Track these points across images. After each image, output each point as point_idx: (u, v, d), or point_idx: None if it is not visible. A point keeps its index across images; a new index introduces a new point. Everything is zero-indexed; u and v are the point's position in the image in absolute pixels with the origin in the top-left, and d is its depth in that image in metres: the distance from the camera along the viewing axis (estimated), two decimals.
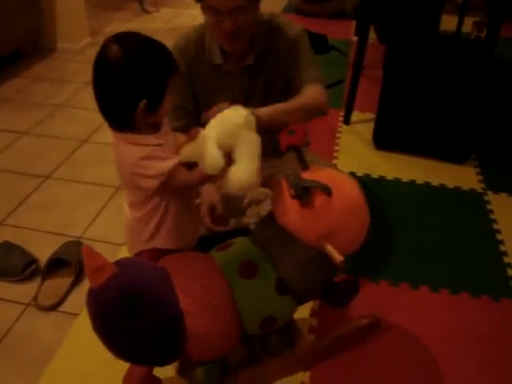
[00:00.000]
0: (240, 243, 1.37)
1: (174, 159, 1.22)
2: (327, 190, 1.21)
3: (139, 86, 1.16)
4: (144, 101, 1.16)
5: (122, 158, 1.24)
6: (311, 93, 1.60)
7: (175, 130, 1.71)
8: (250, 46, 1.63)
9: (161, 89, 1.20)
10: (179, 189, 1.29)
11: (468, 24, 3.89)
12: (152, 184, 1.22)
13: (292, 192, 1.21)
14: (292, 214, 1.25)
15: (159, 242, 1.37)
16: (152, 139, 1.22)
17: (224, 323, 1.22)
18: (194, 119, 1.69)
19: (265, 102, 1.49)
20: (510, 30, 3.66)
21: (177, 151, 1.26)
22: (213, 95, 1.65)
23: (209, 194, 1.65)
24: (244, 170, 1.19)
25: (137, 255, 1.40)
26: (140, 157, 1.19)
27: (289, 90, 1.66)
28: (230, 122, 1.21)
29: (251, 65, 1.66)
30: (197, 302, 1.18)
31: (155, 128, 1.25)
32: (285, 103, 1.50)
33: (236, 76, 1.68)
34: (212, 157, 1.18)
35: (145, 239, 1.36)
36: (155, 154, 1.20)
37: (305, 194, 1.21)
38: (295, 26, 1.69)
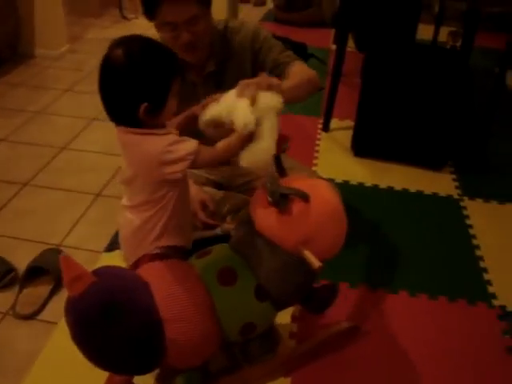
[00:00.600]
0: (219, 250, 1.38)
1: (194, 141, 1.21)
2: (304, 197, 1.23)
3: (140, 88, 1.17)
4: (145, 104, 1.17)
5: (145, 151, 1.21)
6: (300, 70, 1.61)
7: None
8: (210, 54, 1.65)
9: (163, 92, 1.21)
10: (206, 165, 1.30)
11: (444, 34, 3.96)
12: (182, 166, 1.19)
13: (270, 199, 1.23)
14: (270, 220, 1.26)
15: (168, 239, 1.34)
16: (166, 130, 1.24)
17: (203, 330, 1.23)
18: None
19: None
20: (483, 40, 3.74)
21: None
22: (179, 108, 1.65)
23: (197, 193, 1.66)
24: (265, 149, 1.23)
25: (138, 261, 1.36)
26: (167, 143, 1.18)
27: None
28: (264, 102, 1.23)
29: (214, 71, 1.68)
30: (176, 310, 1.18)
31: (160, 127, 1.26)
32: (288, 80, 1.50)
33: (201, 86, 1.70)
34: (246, 115, 1.20)
35: (153, 239, 1.33)
36: (179, 139, 1.21)
37: (282, 200, 1.22)
38: (249, 24, 1.71)
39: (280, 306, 1.37)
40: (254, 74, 1.65)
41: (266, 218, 1.27)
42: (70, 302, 1.10)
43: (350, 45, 3.47)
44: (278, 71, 1.66)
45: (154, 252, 1.33)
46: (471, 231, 2.22)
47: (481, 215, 2.33)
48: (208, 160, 1.24)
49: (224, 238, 1.48)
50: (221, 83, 1.68)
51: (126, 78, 1.17)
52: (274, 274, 1.28)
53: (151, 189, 1.28)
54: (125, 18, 4.83)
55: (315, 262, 1.21)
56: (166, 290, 1.21)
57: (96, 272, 1.14)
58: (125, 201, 1.37)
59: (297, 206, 1.24)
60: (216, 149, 1.24)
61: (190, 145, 1.20)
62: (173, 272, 1.26)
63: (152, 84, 1.19)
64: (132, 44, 1.20)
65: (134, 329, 1.11)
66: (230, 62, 1.69)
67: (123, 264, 1.41)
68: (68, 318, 1.11)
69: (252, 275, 1.29)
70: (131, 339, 1.11)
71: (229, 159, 1.30)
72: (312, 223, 1.25)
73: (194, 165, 1.21)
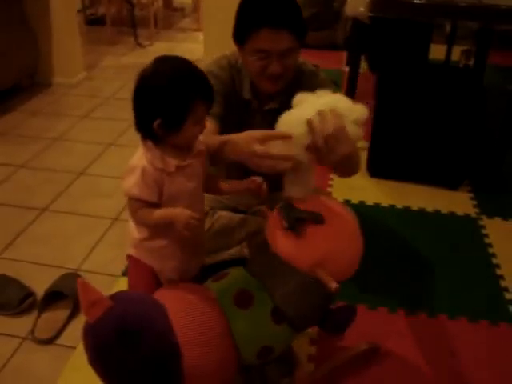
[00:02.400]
0: (235, 273, 1.37)
1: (137, 188, 1.23)
2: (319, 220, 1.24)
3: (156, 103, 1.20)
4: (158, 120, 1.19)
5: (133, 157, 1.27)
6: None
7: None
8: (280, 90, 1.60)
9: (180, 112, 1.21)
10: (133, 218, 1.30)
11: (456, 53, 3.97)
12: (123, 189, 1.26)
13: (285, 223, 1.23)
14: (285, 243, 1.26)
15: (152, 255, 1.34)
16: (157, 160, 1.23)
17: (221, 354, 1.21)
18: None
19: None
20: (496, 58, 3.75)
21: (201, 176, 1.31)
22: (234, 126, 1.60)
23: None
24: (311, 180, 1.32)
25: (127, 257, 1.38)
26: (133, 165, 1.23)
27: None
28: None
29: (276, 109, 1.65)
30: (193, 334, 1.18)
31: (184, 149, 1.27)
32: None
33: (260, 115, 1.67)
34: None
35: (142, 238, 1.33)
36: (139, 172, 1.22)
37: (297, 224, 1.23)
38: (324, 76, 1.69)
39: (297, 328, 1.35)
40: None
41: (281, 240, 1.27)
42: (87, 327, 1.10)
43: (363, 66, 3.49)
44: None
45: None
46: (490, 250, 2.19)
47: (500, 233, 2.30)
48: (132, 214, 1.28)
49: (240, 261, 1.48)
50: (275, 123, 1.69)
51: (146, 91, 1.21)
52: (291, 296, 1.28)
53: None
54: (139, 45, 4.92)
55: (332, 284, 1.21)
56: (183, 314, 1.20)
57: (113, 297, 1.15)
58: None
59: (311, 229, 1.24)
60: (151, 213, 1.25)
61: (133, 187, 1.23)
62: (189, 296, 1.26)
63: (168, 101, 1.20)
64: (164, 62, 1.24)
65: (152, 354, 1.10)
66: (289, 104, 1.68)
67: None
68: (86, 342, 1.11)
69: (268, 298, 1.29)
70: (148, 364, 1.11)
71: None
72: (327, 245, 1.25)
73: (128, 204, 1.27)
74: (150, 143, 1.24)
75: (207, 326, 1.21)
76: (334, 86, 1.71)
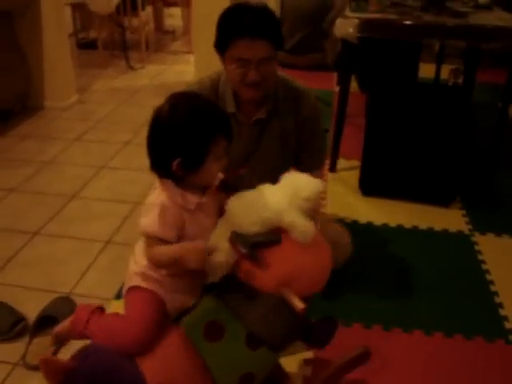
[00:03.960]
0: (205, 303, 1.35)
1: (155, 227, 1.24)
2: (275, 241, 1.24)
3: (175, 144, 1.22)
4: (178, 159, 1.21)
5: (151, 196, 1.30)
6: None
7: None
8: (264, 100, 1.66)
9: (200, 151, 1.23)
10: (148, 256, 1.30)
11: (445, 71, 4.02)
12: (140, 227, 1.27)
13: (243, 250, 1.22)
14: (247, 268, 1.26)
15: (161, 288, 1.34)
16: (178, 197, 1.26)
17: None
18: None
19: (266, 155, 1.53)
20: (484, 76, 3.80)
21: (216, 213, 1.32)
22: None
23: None
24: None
25: (131, 288, 1.36)
26: (152, 203, 1.26)
27: (287, 149, 1.75)
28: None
29: (263, 119, 1.70)
30: (164, 377, 1.18)
31: (201, 186, 1.29)
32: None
33: (247, 127, 1.71)
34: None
35: (143, 273, 1.35)
36: (157, 210, 1.24)
37: (254, 250, 1.23)
38: (312, 93, 1.76)
39: (276, 348, 1.33)
40: (297, 133, 1.75)
41: (243, 265, 1.27)
42: None
43: (353, 86, 3.52)
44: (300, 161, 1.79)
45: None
46: (484, 266, 2.19)
47: (493, 250, 2.31)
48: (146, 252, 1.30)
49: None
50: (264, 131, 1.71)
51: (164, 130, 1.23)
52: (262, 318, 1.27)
53: None
54: (131, 68, 4.95)
55: (298, 304, 1.21)
56: (151, 358, 1.20)
57: (76, 357, 1.14)
58: None
59: (269, 249, 1.24)
60: (165, 251, 1.27)
61: (153, 226, 1.25)
62: (158, 340, 1.26)
63: (189, 140, 1.21)
64: (180, 100, 1.25)
65: None
66: (277, 116, 1.72)
67: None
68: None
69: (240, 325, 1.27)
70: None
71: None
72: (287, 263, 1.25)
73: (144, 242, 1.30)
74: (168, 182, 1.26)
75: (177, 367, 1.21)
76: (320, 112, 1.80)
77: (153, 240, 1.26)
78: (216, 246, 1.26)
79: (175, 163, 1.21)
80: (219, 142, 1.24)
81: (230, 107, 1.67)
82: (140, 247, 1.38)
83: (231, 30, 1.52)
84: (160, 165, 1.26)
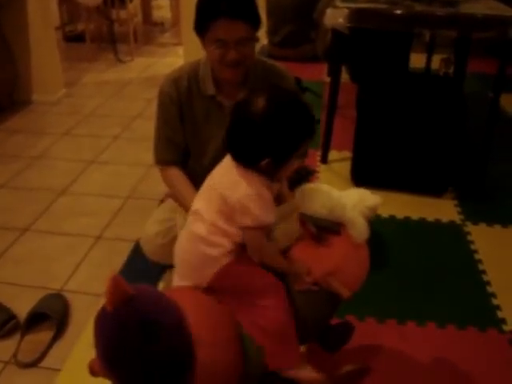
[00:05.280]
0: None
1: (273, 216, 1.24)
2: (336, 231, 1.34)
3: (269, 144, 1.19)
4: (268, 159, 1.19)
5: (241, 182, 1.23)
6: None
7: (163, 162, 1.79)
8: (244, 81, 1.68)
9: (290, 151, 1.23)
10: (250, 249, 1.27)
11: (436, 61, 4.01)
12: (247, 222, 1.22)
13: (312, 229, 1.35)
14: (302, 251, 1.35)
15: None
16: (273, 187, 1.27)
17: (231, 356, 1.20)
18: (181, 152, 1.77)
19: None
20: (475, 65, 3.80)
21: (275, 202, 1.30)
22: (203, 126, 1.72)
23: None
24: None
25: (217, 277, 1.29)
26: (258, 193, 1.21)
27: None
28: None
29: None
30: (208, 334, 1.16)
31: (275, 179, 1.28)
32: None
33: (228, 109, 1.70)
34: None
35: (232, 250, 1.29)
36: (270, 201, 1.24)
37: (320, 231, 1.34)
38: (290, 73, 1.79)
39: (302, 339, 1.35)
40: None
41: (299, 248, 1.37)
42: (105, 313, 1.06)
43: (345, 76, 3.51)
44: None
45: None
46: (476, 256, 2.20)
47: (485, 240, 2.31)
48: (255, 245, 1.26)
49: None
50: None
51: (259, 130, 1.19)
52: (299, 308, 1.31)
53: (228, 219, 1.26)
54: (120, 60, 4.91)
55: (344, 291, 1.31)
56: (199, 313, 1.19)
57: (133, 286, 1.12)
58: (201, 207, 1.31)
59: (328, 239, 1.35)
60: (271, 245, 1.29)
61: (267, 215, 1.22)
62: (205, 298, 1.26)
63: (282, 142, 1.20)
64: (279, 98, 1.22)
65: (169, 347, 1.08)
66: None
67: None
68: (100, 331, 1.08)
69: None
70: (164, 357, 1.07)
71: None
72: (341, 256, 1.34)
73: (247, 231, 1.24)
74: (251, 172, 1.23)
75: (221, 328, 1.21)
76: (299, 91, 1.88)
77: (262, 230, 1.25)
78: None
79: (264, 162, 1.20)
80: (307, 142, 1.26)
81: (210, 90, 1.69)
82: (209, 230, 1.28)
83: (209, 12, 1.54)
84: (246, 159, 1.23)
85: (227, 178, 1.27)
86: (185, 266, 1.34)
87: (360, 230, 1.35)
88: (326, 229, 1.35)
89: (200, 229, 1.28)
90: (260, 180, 1.24)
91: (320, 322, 1.36)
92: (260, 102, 1.19)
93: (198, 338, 1.14)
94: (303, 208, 1.37)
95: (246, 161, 1.23)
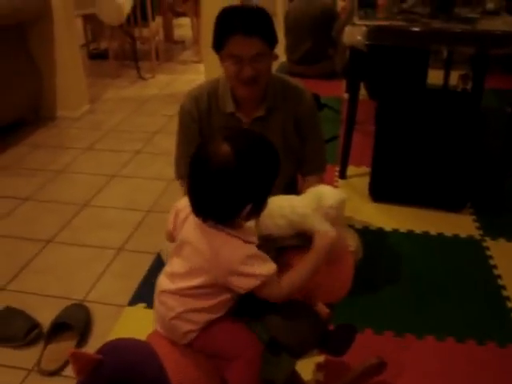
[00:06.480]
0: None
1: (273, 264, 1.17)
2: (302, 246, 1.28)
3: (247, 189, 1.13)
4: (250, 204, 1.14)
5: (225, 252, 1.15)
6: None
7: (184, 177, 1.80)
8: (263, 98, 1.72)
9: (267, 192, 1.18)
10: (268, 296, 1.20)
11: (454, 77, 4.02)
12: (249, 284, 1.14)
13: (269, 254, 1.23)
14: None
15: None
16: (251, 236, 1.19)
17: None
18: None
19: None
20: (493, 82, 3.80)
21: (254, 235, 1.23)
22: None
23: None
24: None
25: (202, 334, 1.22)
26: (248, 254, 1.14)
27: (289, 149, 1.78)
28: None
29: (262, 117, 1.75)
30: (188, 378, 1.18)
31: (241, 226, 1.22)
32: None
33: (247, 125, 1.75)
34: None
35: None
36: (260, 254, 1.16)
37: (280, 254, 1.27)
38: (308, 92, 1.81)
39: (296, 354, 1.33)
40: (296, 133, 1.81)
41: None
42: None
43: (362, 93, 3.54)
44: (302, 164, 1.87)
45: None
46: (496, 271, 2.19)
47: (504, 255, 2.30)
48: (273, 295, 1.19)
49: None
50: (264, 129, 1.74)
51: (235, 179, 1.11)
52: (285, 324, 1.26)
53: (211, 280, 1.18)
54: (142, 77, 5.00)
55: (323, 309, 1.26)
56: (176, 358, 1.20)
57: (102, 351, 1.15)
58: (167, 282, 1.24)
59: (296, 255, 1.28)
60: (282, 286, 1.19)
61: (268, 267, 1.15)
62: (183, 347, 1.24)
63: (261, 185, 1.15)
64: (238, 141, 1.14)
65: None
66: (277, 112, 1.76)
67: (145, 319, 1.40)
68: None
69: (262, 332, 1.26)
70: None
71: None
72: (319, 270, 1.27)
73: (259, 290, 1.16)
74: (227, 226, 1.16)
75: (200, 370, 1.20)
76: (316, 111, 1.88)
77: (273, 278, 1.17)
78: None
79: (247, 208, 1.14)
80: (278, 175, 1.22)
81: (230, 107, 1.73)
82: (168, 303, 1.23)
83: (226, 29, 1.57)
84: (225, 214, 1.15)
85: (205, 245, 1.17)
86: (158, 322, 1.27)
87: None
88: (288, 248, 1.28)
89: (173, 302, 1.21)
90: (242, 230, 1.18)
91: (312, 332, 1.30)
92: (223, 150, 1.11)
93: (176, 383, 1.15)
94: (263, 230, 1.30)
95: (225, 216, 1.15)
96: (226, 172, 1.10)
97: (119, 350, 1.18)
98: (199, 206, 1.16)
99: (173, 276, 1.23)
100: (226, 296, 1.19)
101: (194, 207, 1.17)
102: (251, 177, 1.12)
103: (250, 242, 1.17)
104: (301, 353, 1.36)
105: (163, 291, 1.23)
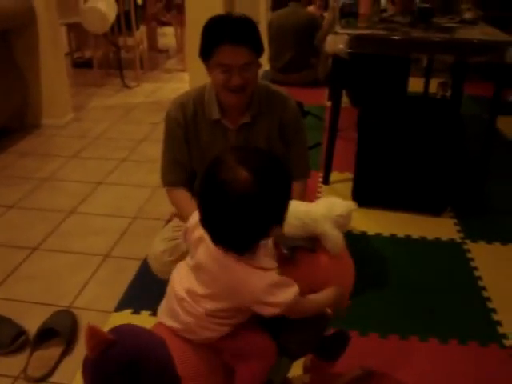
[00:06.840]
0: None
1: (296, 286, 1.17)
2: (311, 248, 1.33)
3: (272, 213, 1.11)
4: (276, 225, 1.13)
5: (249, 284, 1.13)
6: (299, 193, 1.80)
7: (170, 184, 1.82)
8: (248, 105, 1.74)
9: (287, 207, 1.16)
10: (291, 314, 1.22)
11: (434, 85, 4.10)
12: (273, 311, 1.15)
13: (284, 251, 1.31)
14: (281, 272, 1.29)
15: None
16: (270, 261, 1.19)
17: None
18: (187, 174, 1.82)
19: None
20: (471, 89, 3.88)
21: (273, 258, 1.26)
22: (209, 149, 1.77)
23: None
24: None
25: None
26: (271, 284, 1.13)
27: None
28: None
29: (248, 123, 1.77)
30: (192, 368, 1.19)
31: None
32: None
33: (233, 132, 1.78)
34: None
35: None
36: (282, 281, 1.16)
37: (293, 252, 1.31)
38: (292, 98, 1.84)
39: (296, 356, 1.37)
40: (281, 139, 1.83)
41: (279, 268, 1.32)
42: (88, 360, 1.11)
43: (345, 100, 3.59)
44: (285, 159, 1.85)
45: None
46: (476, 273, 2.24)
47: (485, 257, 2.35)
48: (297, 313, 1.23)
49: None
50: (250, 135, 1.77)
51: (260, 204, 1.06)
52: (289, 328, 1.30)
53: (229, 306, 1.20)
54: (126, 86, 5.01)
55: (327, 310, 1.28)
56: (182, 347, 1.22)
57: (114, 330, 1.16)
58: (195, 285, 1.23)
59: (305, 257, 1.32)
60: (310, 301, 1.25)
61: (290, 293, 1.15)
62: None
63: (282, 203, 1.14)
64: (254, 163, 1.08)
65: None
66: (262, 119, 1.79)
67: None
68: (85, 375, 1.12)
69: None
70: None
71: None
72: (320, 272, 1.32)
73: (283, 313, 1.17)
74: (248, 257, 1.14)
75: (205, 361, 1.22)
76: (301, 117, 1.91)
77: (293, 302, 1.17)
78: None
79: (276, 229, 1.13)
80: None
81: (215, 114, 1.74)
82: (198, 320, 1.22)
83: (214, 38, 1.59)
84: (251, 239, 1.12)
85: (225, 277, 1.16)
86: (172, 318, 1.27)
87: (333, 241, 1.36)
88: (300, 248, 1.35)
89: (196, 313, 1.21)
90: (258, 260, 1.16)
91: (314, 335, 1.36)
92: (241, 176, 1.05)
93: (183, 373, 1.17)
94: None
95: (249, 244, 1.13)
96: (249, 199, 1.05)
97: (132, 334, 1.19)
98: (219, 238, 1.12)
99: (195, 295, 1.21)
100: (250, 312, 1.22)
101: (214, 238, 1.13)
102: (273, 199, 1.09)
103: (269, 269, 1.16)
104: (300, 356, 1.40)
105: (183, 299, 1.22)
